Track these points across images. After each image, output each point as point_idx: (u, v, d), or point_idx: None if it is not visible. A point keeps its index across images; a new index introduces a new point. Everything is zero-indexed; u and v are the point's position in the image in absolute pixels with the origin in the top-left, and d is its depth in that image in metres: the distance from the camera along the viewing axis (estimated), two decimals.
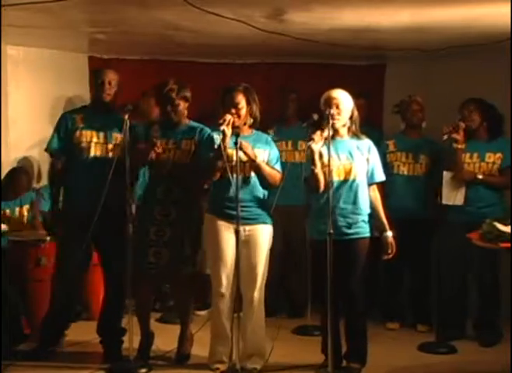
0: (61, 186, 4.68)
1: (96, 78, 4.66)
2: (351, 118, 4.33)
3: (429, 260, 5.31)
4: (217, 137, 4.32)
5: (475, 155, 5.06)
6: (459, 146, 4.98)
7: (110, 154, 4.57)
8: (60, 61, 5.92)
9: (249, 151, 4.26)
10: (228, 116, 4.21)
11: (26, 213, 5.41)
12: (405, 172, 5.36)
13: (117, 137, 4.60)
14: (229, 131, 4.19)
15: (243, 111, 4.32)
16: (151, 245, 4.51)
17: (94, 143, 4.59)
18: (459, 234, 4.80)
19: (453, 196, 4.95)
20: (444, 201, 5.01)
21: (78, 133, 4.60)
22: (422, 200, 5.31)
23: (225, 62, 6.32)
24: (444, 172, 5.05)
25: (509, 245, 3.91)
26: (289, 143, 5.70)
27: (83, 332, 4.97)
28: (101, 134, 4.60)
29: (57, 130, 4.68)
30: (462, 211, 4.99)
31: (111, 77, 4.63)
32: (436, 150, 5.30)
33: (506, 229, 3.98)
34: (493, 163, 5.04)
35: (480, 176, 5.01)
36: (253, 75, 5.95)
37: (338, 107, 4.26)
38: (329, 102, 4.27)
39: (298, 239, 5.61)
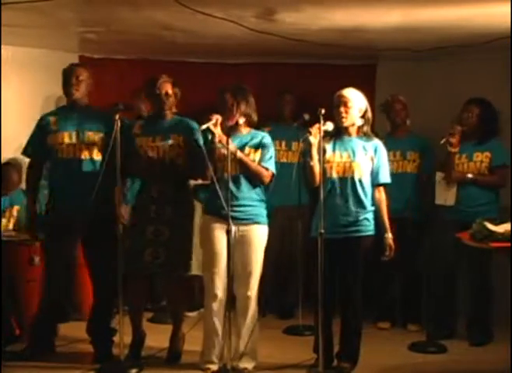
0: (39, 188, 4.65)
1: (66, 76, 4.59)
2: (363, 117, 4.32)
3: (421, 259, 5.32)
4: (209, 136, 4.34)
5: (464, 155, 5.08)
6: (453, 150, 4.98)
7: (84, 153, 4.53)
8: (49, 60, 5.89)
9: (231, 146, 4.19)
10: (215, 116, 4.22)
11: (15, 213, 5.38)
12: (394, 170, 5.35)
13: (90, 135, 4.56)
14: (216, 131, 4.20)
15: (233, 111, 4.30)
16: (148, 245, 4.50)
17: (66, 144, 4.55)
18: (449, 233, 4.82)
19: (444, 197, 4.99)
20: (436, 202, 5.06)
21: (51, 135, 4.58)
22: (413, 197, 5.32)
23: (216, 62, 6.31)
24: (437, 173, 5.08)
25: (499, 245, 3.92)
26: (283, 143, 5.71)
27: (74, 333, 4.95)
28: (73, 134, 4.57)
29: (33, 133, 4.67)
30: (452, 210, 5.02)
31: (80, 73, 4.57)
32: (424, 146, 5.32)
33: (496, 229, 3.99)
34: (481, 162, 5.06)
35: (470, 175, 5.03)
36: (244, 75, 5.96)
37: (346, 106, 4.26)
38: (338, 101, 4.28)
39: (290, 239, 5.62)
